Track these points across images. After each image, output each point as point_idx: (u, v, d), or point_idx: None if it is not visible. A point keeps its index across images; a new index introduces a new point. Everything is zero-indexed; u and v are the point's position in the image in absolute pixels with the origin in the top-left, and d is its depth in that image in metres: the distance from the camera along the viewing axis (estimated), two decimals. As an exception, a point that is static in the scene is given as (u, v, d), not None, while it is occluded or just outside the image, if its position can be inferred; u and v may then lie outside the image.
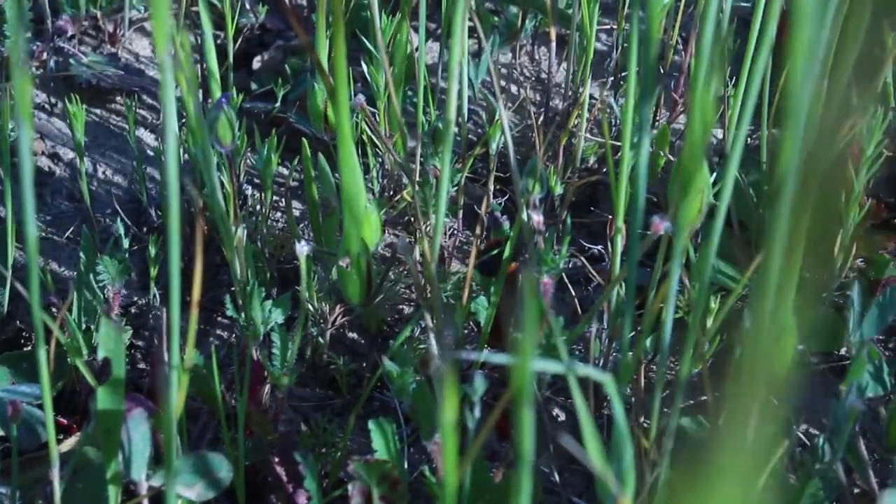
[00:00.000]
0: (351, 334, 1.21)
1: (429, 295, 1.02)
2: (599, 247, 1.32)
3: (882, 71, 1.07)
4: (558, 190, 1.21)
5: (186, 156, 1.29)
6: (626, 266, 0.87)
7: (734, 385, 0.41)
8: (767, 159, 1.27)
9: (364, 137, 1.30)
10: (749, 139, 1.45)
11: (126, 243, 1.13)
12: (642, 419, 0.98)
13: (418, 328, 1.17)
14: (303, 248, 0.96)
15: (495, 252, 1.16)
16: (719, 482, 0.41)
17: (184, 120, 0.97)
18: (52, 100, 1.51)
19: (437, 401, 0.91)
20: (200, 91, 1.38)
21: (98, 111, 1.52)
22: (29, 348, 1.14)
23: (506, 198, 1.37)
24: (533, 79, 1.62)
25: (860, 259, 1.24)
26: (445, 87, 1.00)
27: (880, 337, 1.20)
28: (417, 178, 1.19)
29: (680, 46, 1.50)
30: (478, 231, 1.13)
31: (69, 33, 1.57)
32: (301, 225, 1.34)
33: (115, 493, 0.84)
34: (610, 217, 1.22)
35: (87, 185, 1.31)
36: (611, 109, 1.46)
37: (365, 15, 1.57)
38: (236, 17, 1.52)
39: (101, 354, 0.81)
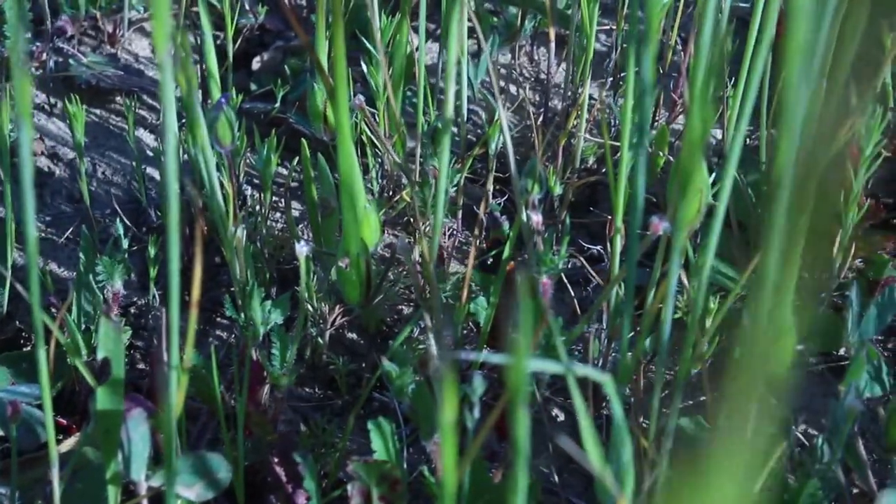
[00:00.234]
0: (350, 335, 1.21)
1: (428, 295, 1.02)
2: (598, 247, 1.32)
3: (881, 71, 1.07)
4: (557, 190, 1.21)
5: (186, 156, 1.29)
6: (625, 266, 0.87)
7: (732, 384, 0.41)
8: (766, 159, 1.27)
9: (363, 138, 1.31)
10: (748, 139, 1.45)
11: (125, 244, 1.13)
12: (641, 419, 0.98)
13: (417, 328, 1.17)
14: (302, 249, 0.96)
15: (497, 251, 1.16)
16: (717, 480, 0.41)
17: (183, 120, 0.97)
18: (52, 100, 1.51)
19: (436, 401, 0.91)
20: (200, 91, 1.38)
21: (98, 111, 1.52)
22: (28, 348, 1.14)
23: (505, 198, 1.38)
24: (532, 79, 1.62)
25: (859, 259, 1.24)
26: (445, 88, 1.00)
27: (879, 337, 1.20)
28: (417, 179, 1.19)
29: (679, 47, 1.50)
30: (477, 231, 1.13)
31: (69, 34, 1.57)
32: (300, 225, 1.34)
33: (114, 493, 0.84)
34: (609, 217, 1.22)
35: (87, 186, 1.31)
36: (610, 110, 1.46)
37: (365, 15, 1.57)
38: (236, 18, 1.52)
39: (100, 355, 0.81)
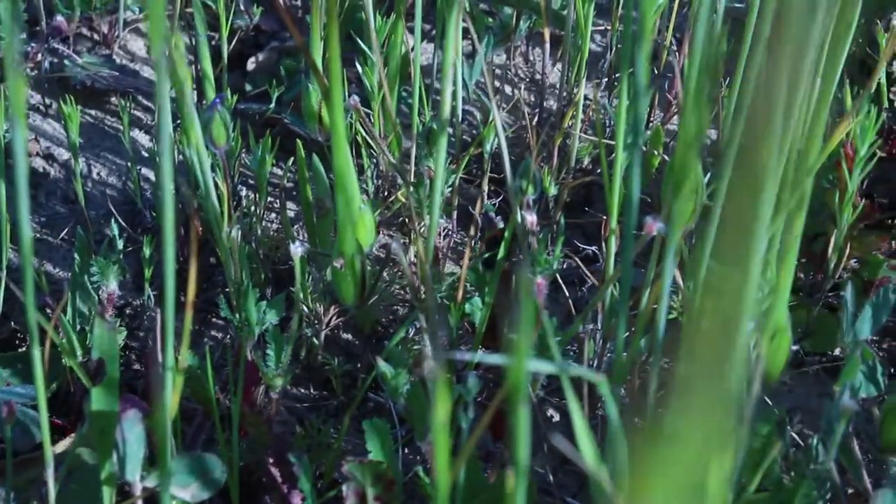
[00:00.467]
0: (345, 335, 1.21)
1: (423, 296, 1.02)
2: (594, 247, 1.32)
3: (876, 71, 1.07)
4: (552, 191, 1.21)
5: (181, 157, 1.29)
6: (620, 266, 0.87)
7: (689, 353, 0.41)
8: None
9: (359, 138, 1.31)
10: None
11: (120, 244, 1.13)
12: (637, 420, 0.98)
13: (413, 329, 1.17)
14: (297, 249, 0.96)
15: (495, 248, 1.16)
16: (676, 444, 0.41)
17: (178, 121, 0.97)
18: (47, 101, 1.51)
19: (430, 401, 0.91)
20: (195, 92, 1.38)
21: (93, 112, 1.51)
22: (24, 349, 1.14)
23: (500, 198, 1.38)
24: (527, 80, 1.62)
25: (854, 259, 1.25)
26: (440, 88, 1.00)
27: (874, 337, 1.20)
28: (412, 179, 1.19)
29: (674, 47, 1.50)
30: (472, 232, 1.13)
31: (64, 34, 1.57)
32: (296, 226, 1.34)
33: (109, 493, 0.84)
34: (604, 218, 1.22)
35: (82, 186, 1.31)
36: (605, 110, 1.46)
37: (360, 16, 1.57)
38: (231, 18, 1.52)
39: (95, 355, 0.81)
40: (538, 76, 1.61)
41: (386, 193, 1.34)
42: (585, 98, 1.50)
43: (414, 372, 0.99)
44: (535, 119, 1.48)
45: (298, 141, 1.19)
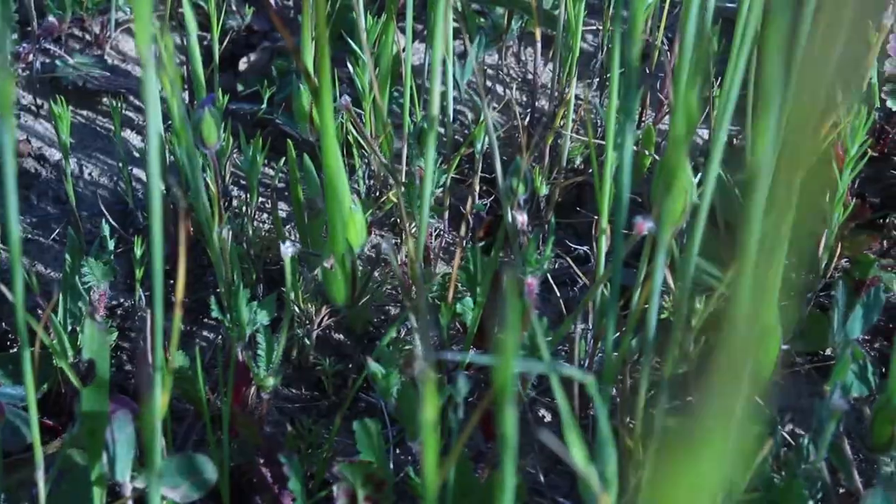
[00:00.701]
0: (337, 335, 1.21)
1: (414, 296, 1.02)
2: (585, 247, 1.32)
3: (866, 70, 1.07)
4: (544, 190, 1.21)
5: (172, 157, 1.29)
6: (611, 266, 0.87)
7: (716, 380, 0.41)
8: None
9: (350, 138, 1.30)
10: (735, 139, 1.45)
11: (111, 245, 1.13)
12: (628, 419, 0.98)
13: (404, 329, 1.17)
14: (287, 250, 0.96)
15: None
16: (700, 464, 0.41)
17: (169, 121, 0.97)
18: (39, 101, 1.51)
19: (421, 402, 0.91)
20: (186, 92, 1.38)
21: (84, 112, 1.51)
22: (14, 350, 1.14)
23: (492, 198, 1.38)
24: (519, 80, 1.62)
25: (845, 259, 1.25)
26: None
27: (865, 337, 1.20)
28: (403, 179, 1.19)
29: (665, 47, 1.50)
30: (463, 232, 1.13)
31: (55, 35, 1.57)
32: (287, 226, 1.34)
33: (100, 494, 0.83)
34: (596, 218, 1.22)
35: (73, 187, 1.31)
36: (596, 111, 1.46)
37: (351, 16, 1.57)
38: (222, 19, 1.51)
39: (85, 356, 0.81)
40: (530, 76, 1.61)
41: (377, 193, 1.34)
42: (577, 98, 1.50)
43: (405, 372, 0.99)
44: (527, 119, 1.48)
45: (290, 141, 1.19)
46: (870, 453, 1.03)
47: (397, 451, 1.08)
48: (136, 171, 1.40)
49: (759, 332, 0.83)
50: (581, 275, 1.26)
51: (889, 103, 1.30)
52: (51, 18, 1.56)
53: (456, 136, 1.48)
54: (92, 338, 0.81)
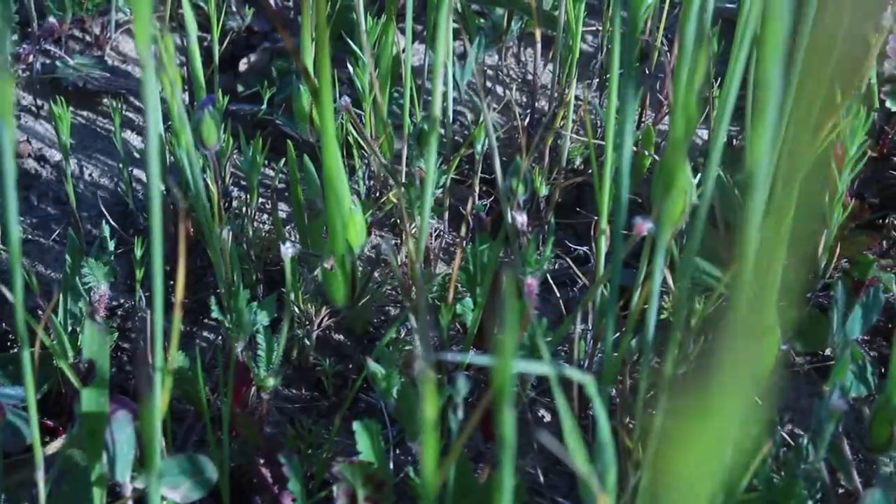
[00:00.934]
0: (337, 336, 1.21)
1: (414, 296, 1.02)
2: (585, 248, 1.32)
3: (865, 71, 1.07)
4: (543, 191, 1.21)
5: (172, 158, 1.29)
6: (611, 266, 0.87)
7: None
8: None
9: (350, 139, 1.31)
10: (735, 140, 1.45)
11: (112, 246, 1.13)
12: (627, 420, 0.99)
13: (404, 330, 1.17)
14: (287, 250, 0.96)
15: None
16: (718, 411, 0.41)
17: (169, 122, 0.97)
18: (39, 102, 1.51)
19: (420, 402, 0.91)
20: (187, 93, 1.38)
21: (85, 113, 1.51)
22: (15, 351, 1.14)
23: (492, 199, 1.38)
24: (519, 80, 1.62)
25: (844, 259, 1.25)
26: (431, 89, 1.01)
27: (864, 337, 1.20)
28: (403, 180, 1.19)
29: (665, 48, 1.50)
30: (463, 232, 1.13)
31: (56, 36, 1.57)
32: (287, 227, 1.34)
33: (100, 495, 0.84)
34: (596, 218, 1.22)
35: (74, 188, 1.31)
36: (595, 111, 1.46)
37: (351, 17, 1.57)
38: (222, 20, 1.52)
39: (85, 356, 0.81)
40: (529, 77, 1.61)
41: (377, 194, 1.34)
42: (577, 98, 1.50)
43: (404, 373, 0.99)
44: (527, 119, 1.48)
45: (290, 142, 1.19)
46: (869, 453, 1.03)
47: (397, 451, 1.08)
48: (136, 171, 1.40)
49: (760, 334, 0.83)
50: (581, 275, 1.26)
51: (888, 104, 1.30)
52: (51, 19, 1.57)
53: (456, 137, 1.48)
54: (92, 338, 0.81)
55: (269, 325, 1.02)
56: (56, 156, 1.43)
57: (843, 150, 1.10)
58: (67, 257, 1.11)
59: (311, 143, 1.25)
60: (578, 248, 1.33)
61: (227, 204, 1.35)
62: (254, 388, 1.03)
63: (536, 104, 1.49)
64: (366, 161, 1.35)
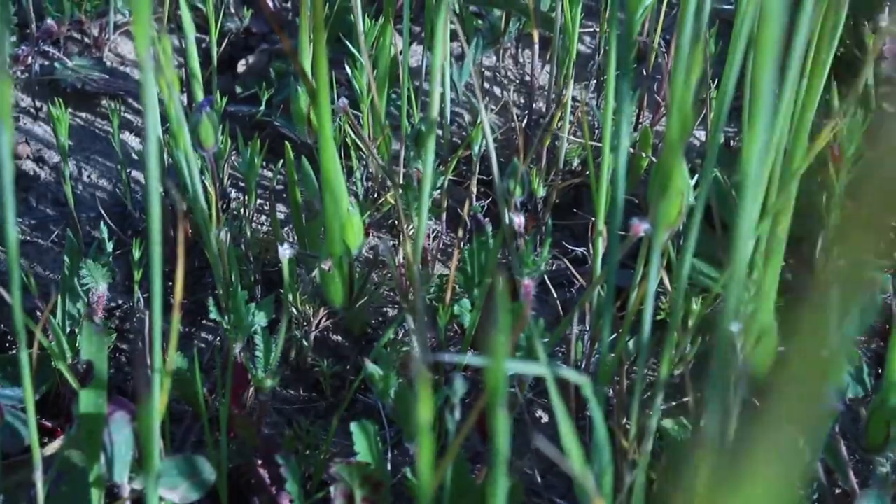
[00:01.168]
0: (335, 337, 1.21)
1: (412, 297, 1.02)
2: (582, 249, 1.33)
3: (862, 72, 1.07)
4: (541, 192, 1.21)
5: (171, 160, 1.29)
6: (608, 268, 0.87)
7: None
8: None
9: (348, 140, 1.31)
10: (732, 141, 1.45)
11: (110, 247, 1.13)
12: (624, 421, 0.99)
13: (401, 331, 1.17)
14: (285, 252, 0.97)
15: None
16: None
17: (168, 124, 0.97)
18: (37, 103, 1.51)
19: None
20: (185, 95, 1.38)
21: (83, 115, 1.52)
22: (13, 352, 1.14)
23: (490, 200, 1.38)
24: (516, 81, 1.62)
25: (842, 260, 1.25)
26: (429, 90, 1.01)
27: (861, 338, 1.20)
28: (401, 181, 1.19)
29: (663, 49, 1.50)
30: (461, 233, 1.13)
31: (54, 37, 1.57)
32: (285, 228, 1.34)
33: (98, 495, 0.84)
34: (593, 219, 1.23)
35: (72, 189, 1.31)
36: (593, 113, 1.46)
37: (349, 18, 1.57)
38: (220, 21, 1.52)
39: (84, 357, 0.81)
40: (527, 78, 1.61)
41: (375, 195, 1.35)
42: (574, 100, 1.50)
43: (402, 373, 1.00)
44: (524, 121, 1.48)
45: (288, 143, 1.19)
46: (865, 454, 1.03)
47: (395, 452, 1.08)
48: (134, 173, 1.41)
49: (757, 332, 0.83)
50: (578, 276, 1.27)
51: (886, 105, 1.30)
52: (49, 21, 1.57)
53: (453, 138, 1.48)
54: (90, 339, 0.81)
55: (267, 326, 1.03)
56: (54, 157, 1.44)
57: (840, 152, 1.10)
58: (66, 258, 1.11)
59: (308, 145, 1.25)
60: (576, 249, 1.33)
61: (225, 205, 1.35)
62: (252, 389, 1.04)
63: (534, 105, 1.49)
64: (363, 162, 1.35)
